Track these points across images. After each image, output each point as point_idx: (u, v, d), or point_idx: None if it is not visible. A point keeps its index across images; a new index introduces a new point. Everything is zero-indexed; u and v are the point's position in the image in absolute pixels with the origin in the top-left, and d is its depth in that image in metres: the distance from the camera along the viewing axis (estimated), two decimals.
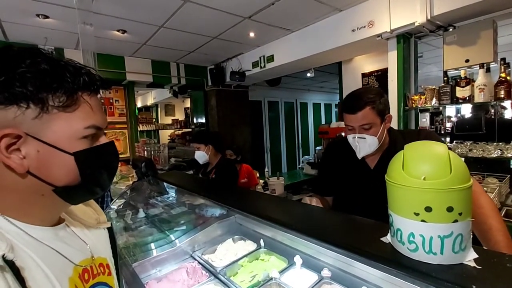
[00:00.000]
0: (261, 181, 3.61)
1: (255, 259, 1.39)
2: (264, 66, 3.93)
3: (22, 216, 0.47)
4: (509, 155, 2.05)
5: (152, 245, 1.52)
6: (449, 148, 1.08)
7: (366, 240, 0.67)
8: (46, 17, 2.62)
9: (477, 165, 2.36)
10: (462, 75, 2.16)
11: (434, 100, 2.34)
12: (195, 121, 5.55)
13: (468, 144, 2.29)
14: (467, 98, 2.13)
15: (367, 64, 3.79)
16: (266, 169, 4.52)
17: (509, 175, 2.13)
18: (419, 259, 0.54)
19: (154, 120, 6.84)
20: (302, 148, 7.41)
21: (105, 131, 0.54)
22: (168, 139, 6.49)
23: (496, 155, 2.09)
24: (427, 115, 2.74)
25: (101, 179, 0.52)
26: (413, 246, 0.54)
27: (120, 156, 4.19)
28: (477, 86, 2.06)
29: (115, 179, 2.97)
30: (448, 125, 3.25)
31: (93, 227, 0.64)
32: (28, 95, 0.41)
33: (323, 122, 7.75)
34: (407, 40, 2.59)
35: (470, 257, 0.54)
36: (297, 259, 1.21)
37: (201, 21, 2.94)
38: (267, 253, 1.40)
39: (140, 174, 1.92)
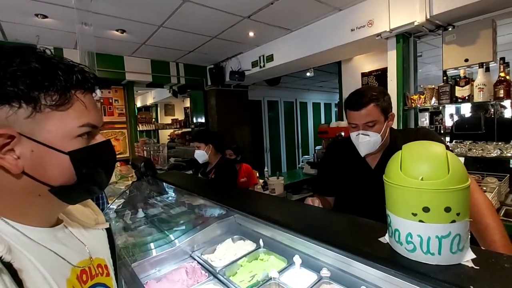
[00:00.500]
0: (261, 181, 3.61)
1: (255, 259, 1.39)
2: (264, 66, 3.93)
3: (19, 217, 0.47)
4: (509, 154, 2.05)
5: (152, 245, 1.52)
6: (448, 148, 1.09)
7: (364, 240, 0.67)
8: (45, 16, 2.62)
9: (476, 165, 2.36)
10: (462, 75, 2.16)
11: (433, 99, 2.34)
12: (194, 120, 5.55)
13: (468, 143, 2.29)
14: (467, 97, 2.13)
15: (366, 63, 3.79)
16: (266, 169, 4.51)
17: (508, 175, 2.13)
18: (417, 259, 0.54)
19: (153, 120, 6.84)
20: (301, 147, 7.41)
21: (105, 131, 0.53)
22: (168, 139, 6.49)
23: (496, 155, 2.09)
24: (427, 114, 2.75)
25: (98, 178, 0.52)
26: (411, 246, 0.54)
27: (120, 156, 4.23)
28: (476, 86, 2.06)
29: (114, 179, 2.97)
30: (449, 123, 3.24)
31: (92, 228, 0.64)
32: (19, 94, 0.41)
33: (322, 121, 7.74)
34: (406, 39, 2.58)
35: (468, 258, 0.54)
36: (297, 259, 1.21)
37: (200, 21, 2.94)
38: (266, 253, 1.40)
39: (139, 174, 1.92)
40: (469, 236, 0.55)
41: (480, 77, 2.05)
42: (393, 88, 2.62)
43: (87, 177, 0.49)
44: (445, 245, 0.52)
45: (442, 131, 3.12)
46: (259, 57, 3.96)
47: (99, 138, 0.51)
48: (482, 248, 0.63)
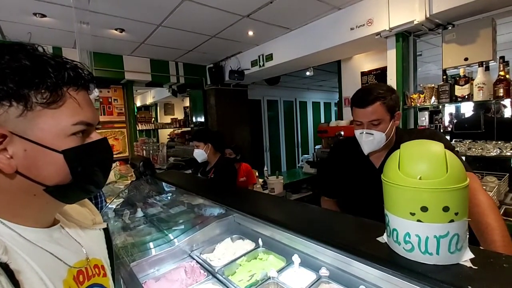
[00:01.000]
0: (260, 180, 3.61)
1: (254, 258, 1.39)
2: (263, 65, 3.92)
3: (15, 218, 0.46)
4: (508, 153, 2.05)
5: (150, 245, 1.52)
6: (454, 149, 1.08)
7: (362, 240, 0.67)
8: (43, 15, 2.61)
9: (476, 164, 2.35)
10: (461, 74, 2.16)
11: (433, 98, 2.33)
12: (194, 120, 5.54)
13: (467, 142, 2.29)
14: (466, 96, 2.12)
15: (366, 62, 3.78)
16: (265, 168, 4.51)
17: (508, 174, 2.13)
18: (415, 259, 0.54)
19: (153, 119, 6.83)
20: (301, 147, 7.40)
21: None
22: (168, 138, 6.49)
23: (495, 154, 2.09)
24: (426, 113, 2.74)
25: (94, 177, 0.51)
26: (409, 246, 0.54)
27: (119, 155, 4.22)
28: (476, 85, 2.05)
29: (114, 179, 2.97)
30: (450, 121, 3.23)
31: (89, 228, 0.64)
32: (9, 92, 0.40)
33: (322, 121, 7.74)
34: (406, 38, 2.58)
35: (466, 257, 0.53)
36: (295, 258, 1.21)
37: (199, 20, 2.93)
38: (265, 252, 1.40)
39: (138, 173, 1.91)
40: (468, 236, 0.55)
41: (479, 76, 2.04)
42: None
43: (82, 176, 0.48)
44: (443, 245, 0.51)
45: (441, 130, 3.11)
46: (259, 56, 3.95)
47: (95, 136, 0.50)
48: (481, 248, 0.63)
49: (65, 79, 0.45)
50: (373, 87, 1.14)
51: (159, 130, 7.04)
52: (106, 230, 0.69)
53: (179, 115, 7.76)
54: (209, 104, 5.03)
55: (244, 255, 1.37)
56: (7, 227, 0.45)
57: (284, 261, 1.29)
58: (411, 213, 0.53)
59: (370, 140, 1.12)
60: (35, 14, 2.57)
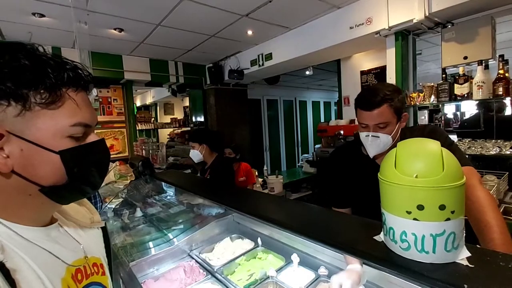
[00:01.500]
0: (260, 180, 3.61)
1: (253, 257, 1.39)
2: (263, 64, 3.92)
3: (12, 217, 0.46)
4: (508, 152, 2.05)
5: (150, 244, 1.52)
6: (453, 144, 1.06)
7: (359, 239, 0.67)
8: (42, 15, 2.61)
9: (475, 163, 2.35)
10: (461, 72, 2.15)
11: (432, 97, 2.33)
12: (194, 120, 5.55)
13: (467, 141, 2.29)
14: (466, 95, 2.12)
15: (365, 61, 3.78)
16: (265, 168, 4.51)
17: (507, 173, 2.12)
18: (411, 258, 0.54)
19: (153, 119, 6.83)
20: (301, 146, 7.40)
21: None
22: (168, 138, 6.49)
23: (495, 152, 2.09)
24: (426, 112, 2.74)
25: (90, 178, 0.51)
26: (406, 244, 0.54)
27: (119, 155, 4.22)
28: (475, 83, 2.05)
29: (113, 178, 2.97)
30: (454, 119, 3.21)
31: (87, 227, 0.64)
32: (7, 92, 0.40)
33: (322, 120, 7.74)
34: (405, 37, 2.58)
35: (463, 256, 0.53)
36: (294, 258, 1.22)
37: (198, 19, 2.93)
38: (264, 252, 1.40)
39: (137, 173, 1.91)
40: (464, 234, 0.55)
41: (479, 75, 2.04)
42: None
43: (78, 177, 0.48)
44: (440, 243, 0.51)
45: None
46: (258, 56, 3.95)
47: (92, 138, 0.50)
48: (478, 246, 0.63)
49: (64, 80, 0.45)
50: (379, 87, 1.08)
51: (159, 130, 7.04)
52: (104, 229, 0.69)
53: (179, 114, 7.77)
54: (209, 104, 5.03)
55: (243, 254, 1.37)
56: (4, 226, 0.45)
57: (283, 260, 1.29)
58: (407, 212, 0.53)
59: (376, 143, 1.08)
60: (34, 14, 2.57)
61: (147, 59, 4.28)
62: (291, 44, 3.46)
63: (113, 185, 2.72)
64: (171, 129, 6.52)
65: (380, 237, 0.62)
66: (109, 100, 4.27)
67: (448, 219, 0.51)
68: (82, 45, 2.14)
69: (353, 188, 1.20)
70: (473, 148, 2.20)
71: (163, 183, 2.00)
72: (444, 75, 2.29)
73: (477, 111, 2.72)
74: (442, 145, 0.56)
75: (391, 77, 2.64)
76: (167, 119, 7.29)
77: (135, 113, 4.88)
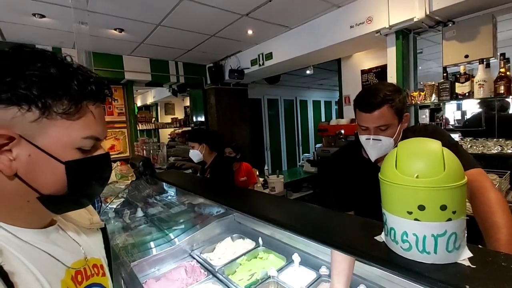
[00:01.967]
0: (261, 179, 3.61)
1: (254, 257, 1.39)
2: (263, 64, 3.91)
3: (10, 219, 0.46)
4: (509, 151, 2.04)
5: (151, 244, 1.52)
6: (457, 144, 1.04)
7: (360, 239, 0.67)
8: (42, 16, 2.61)
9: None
10: (462, 71, 2.14)
11: (433, 96, 2.32)
12: (194, 119, 5.55)
13: (468, 140, 2.28)
14: (467, 94, 2.11)
15: (366, 60, 3.77)
16: (266, 167, 4.52)
17: (509, 171, 2.11)
18: (412, 258, 0.54)
19: (153, 119, 6.84)
20: (302, 145, 7.40)
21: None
22: (168, 138, 6.50)
23: (496, 151, 2.08)
24: (427, 111, 2.72)
25: (88, 190, 0.51)
26: (407, 245, 0.54)
27: (120, 155, 4.23)
28: (476, 82, 2.04)
29: (114, 179, 2.97)
30: (451, 121, 3.19)
31: (87, 228, 0.64)
32: (31, 98, 0.41)
33: (323, 119, 7.73)
34: (406, 36, 2.57)
35: (464, 256, 0.53)
36: (296, 257, 1.22)
37: (198, 19, 2.92)
38: (265, 251, 1.40)
39: (138, 173, 1.92)
40: (466, 235, 0.54)
41: (480, 73, 2.03)
42: None
43: (78, 189, 0.48)
44: (441, 244, 0.51)
45: (443, 128, 3.10)
46: (258, 55, 3.94)
47: (99, 151, 0.50)
48: (480, 246, 0.63)
49: (87, 93, 0.46)
50: (379, 87, 1.03)
51: (159, 130, 7.05)
52: (104, 230, 0.69)
53: (179, 114, 7.77)
54: (209, 104, 5.03)
55: (244, 254, 1.37)
56: (2, 228, 0.45)
57: (284, 260, 1.29)
58: (408, 212, 0.52)
59: (377, 147, 1.03)
60: (34, 14, 2.57)
61: (148, 59, 4.28)
62: (291, 43, 3.45)
63: (114, 185, 2.72)
64: (172, 129, 6.53)
65: (381, 237, 0.61)
66: (110, 100, 4.27)
67: (449, 219, 0.50)
68: (83, 45, 2.14)
69: (355, 191, 1.17)
70: (474, 147, 2.19)
71: (164, 183, 2.00)
72: (445, 74, 2.28)
73: (479, 110, 2.70)
74: (446, 146, 0.55)
75: (391, 76, 2.63)
76: (167, 119, 7.30)
77: (136, 113, 4.88)
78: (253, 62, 4.07)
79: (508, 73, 1.95)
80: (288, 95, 7.01)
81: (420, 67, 2.74)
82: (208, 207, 1.74)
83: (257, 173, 3.54)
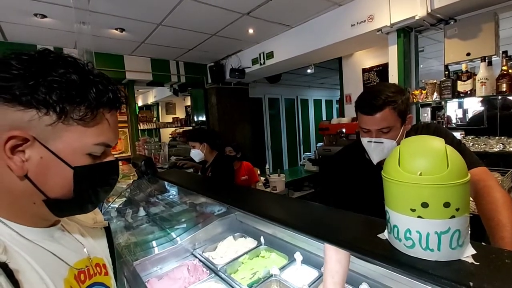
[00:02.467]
0: (262, 178, 3.61)
1: (256, 256, 1.39)
2: (264, 63, 3.91)
3: (15, 218, 0.47)
4: (511, 149, 2.03)
5: (153, 243, 1.53)
6: (461, 143, 1.03)
7: (363, 237, 0.67)
8: (44, 16, 2.62)
9: None
10: (464, 69, 2.14)
11: (435, 94, 2.32)
12: (195, 119, 5.55)
13: (470, 138, 2.28)
14: (469, 92, 2.10)
15: (367, 59, 3.76)
16: (267, 166, 4.52)
17: (511, 169, 2.11)
18: (416, 255, 0.54)
19: (155, 118, 6.85)
20: (303, 144, 7.39)
21: None
22: (170, 138, 6.51)
23: (498, 150, 2.08)
24: (428, 110, 2.71)
25: (93, 197, 0.51)
26: (410, 242, 0.54)
27: (121, 155, 4.24)
28: (478, 80, 2.03)
29: None
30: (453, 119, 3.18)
31: (90, 227, 0.64)
32: (50, 103, 0.42)
33: (324, 118, 7.72)
34: (407, 34, 2.56)
35: (468, 253, 0.53)
36: (298, 256, 1.22)
37: (199, 18, 2.92)
38: (267, 250, 1.40)
39: (140, 172, 1.92)
40: (469, 232, 0.54)
41: (482, 71, 2.03)
42: None
43: (84, 195, 0.49)
44: (445, 241, 0.51)
45: (444, 126, 3.09)
46: (259, 54, 3.94)
47: (108, 158, 0.51)
48: (483, 244, 0.62)
49: (104, 101, 0.46)
50: (381, 88, 1.00)
51: (161, 130, 7.06)
52: (107, 229, 0.69)
53: (180, 114, 7.78)
54: (210, 103, 5.03)
55: (246, 253, 1.37)
56: (7, 227, 0.45)
57: (286, 259, 1.29)
58: (411, 209, 0.52)
59: (380, 149, 1.00)
60: (35, 14, 2.58)
61: (149, 59, 4.28)
62: (292, 42, 3.45)
63: (116, 185, 2.72)
64: (173, 129, 6.53)
65: (384, 235, 0.61)
66: None
67: (453, 216, 0.50)
68: (84, 45, 2.14)
69: (356, 192, 1.15)
70: (476, 145, 2.18)
71: (165, 182, 2.00)
72: (447, 72, 2.27)
73: (482, 108, 2.69)
74: (449, 145, 0.55)
75: (393, 75, 2.63)
76: (169, 118, 7.31)
77: (137, 113, 4.89)
78: (254, 61, 4.07)
79: (510, 70, 1.95)
80: (289, 94, 7.00)
81: (421, 66, 2.73)
82: (209, 206, 1.75)
83: (259, 172, 3.54)
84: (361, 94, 1.06)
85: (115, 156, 0.56)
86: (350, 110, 3.92)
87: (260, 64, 3.96)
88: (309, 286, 1.04)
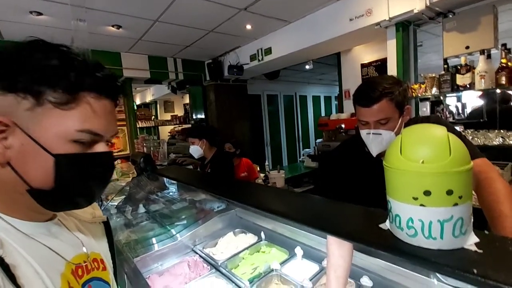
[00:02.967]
0: (262, 175, 3.61)
1: (256, 251, 1.39)
2: (262, 59, 3.89)
3: (10, 211, 0.46)
4: (511, 142, 2.03)
5: (153, 240, 1.52)
6: (462, 135, 1.02)
7: (364, 228, 0.66)
8: (40, 14, 2.59)
9: None
10: (463, 62, 2.13)
11: (434, 88, 2.31)
12: (194, 116, 5.54)
13: (470, 132, 2.27)
14: (468, 85, 2.10)
15: (366, 54, 3.75)
16: (266, 163, 4.52)
17: (511, 163, 2.11)
18: (418, 244, 0.53)
19: (153, 116, 6.83)
20: (302, 141, 7.39)
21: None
22: (168, 136, 6.50)
23: (498, 143, 2.08)
24: (427, 104, 2.71)
25: (83, 190, 0.48)
26: (412, 231, 0.53)
27: (120, 153, 4.22)
28: (477, 73, 2.03)
29: (115, 176, 2.97)
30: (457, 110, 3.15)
31: (88, 222, 0.63)
32: (25, 86, 0.41)
33: (323, 114, 7.71)
34: (406, 28, 2.55)
35: (471, 241, 0.52)
36: (298, 250, 1.22)
37: (196, 14, 2.90)
38: (268, 245, 1.40)
39: (139, 169, 1.91)
40: (472, 220, 0.54)
41: (481, 64, 2.02)
42: None
43: (67, 187, 0.46)
44: (447, 229, 0.51)
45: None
46: (257, 51, 3.92)
47: (99, 148, 0.48)
48: (486, 232, 0.62)
49: (84, 84, 0.44)
50: (378, 80, 1.01)
51: (159, 128, 7.05)
52: (106, 224, 0.68)
53: (179, 112, 7.76)
54: (209, 100, 5.01)
55: (246, 248, 1.37)
56: (3, 220, 0.45)
57: (287, 254, 1.29)
58: (414, 198, 0.52)
59: (378, 141, 1.01)
60: (31, 12, 2.55)
61: (146, 56, 4.26)
62: (290, 38, 3.43)
63: (115, 182, 2.72)
64: (172, 127, 6.53)
65: (386, 225, 0.61)
66: None
67: (455, 204, 0.50)
68: (81, 43, 2.12)
69: (357, 186, 1.13)
70: (476, 138, 2.18)
71: (165, 179, 2.00)
72: (445, 66, 2.27)
73: (481, 102, 2.68)
74: None
75: (392, 69, 2.63)
76: (167, 116, 7.29)
77: (135, 111, 4.87)
78: (252, 58, 4.05)
79: (509, 63, 1.94)
80: (287, 90, 6.99)
81: (420, 60, 2.72)
82: (209, 202, 1.74)
83: (258, 168, 3.54)
84: (358, 86, 1.06)
85: (114, 154, 0.55)
86: (349, 106, 3.91)
87: (258, 60, 3.95)
88: (310, 280, 1.03)
